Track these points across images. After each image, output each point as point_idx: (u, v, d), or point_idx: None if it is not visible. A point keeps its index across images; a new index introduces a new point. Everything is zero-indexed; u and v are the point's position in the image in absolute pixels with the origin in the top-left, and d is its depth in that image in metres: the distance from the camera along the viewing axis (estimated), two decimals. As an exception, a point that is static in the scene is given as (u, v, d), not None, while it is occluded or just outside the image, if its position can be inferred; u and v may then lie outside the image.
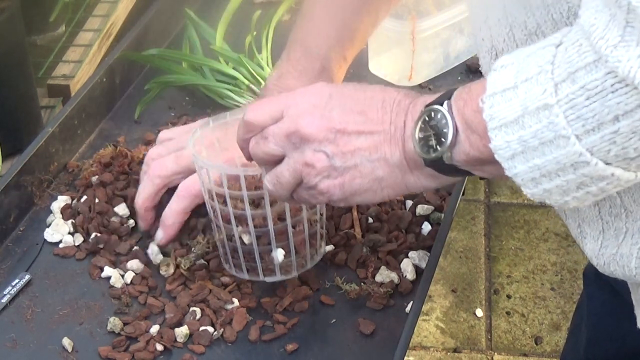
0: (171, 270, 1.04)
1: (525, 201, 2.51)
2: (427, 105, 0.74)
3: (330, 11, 1.05)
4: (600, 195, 0.66)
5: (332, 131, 0.79)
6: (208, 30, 1.40)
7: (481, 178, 2.35)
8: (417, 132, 0.75)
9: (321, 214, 0.99)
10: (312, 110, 0.80)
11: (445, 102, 0.72)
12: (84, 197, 1.14)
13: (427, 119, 0.74)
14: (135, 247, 1.08)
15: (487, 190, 2.58)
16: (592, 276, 1.17)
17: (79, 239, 1.10)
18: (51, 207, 1.14)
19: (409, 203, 1.12)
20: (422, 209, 1.11)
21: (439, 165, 0.74)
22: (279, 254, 0.97)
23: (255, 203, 0.95)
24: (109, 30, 1.71)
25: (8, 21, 1.39)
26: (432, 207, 1.11)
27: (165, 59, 1.38)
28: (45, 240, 1.11)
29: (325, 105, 0.80)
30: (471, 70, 1.38)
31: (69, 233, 1.11)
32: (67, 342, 0.97)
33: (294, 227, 0.96)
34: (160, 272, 1.04)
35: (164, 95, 1.34)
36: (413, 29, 1.30)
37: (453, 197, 1.11)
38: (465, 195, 2.50)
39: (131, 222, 1.11)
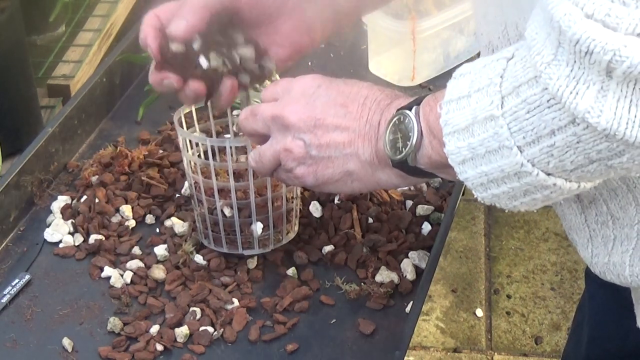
0: (171, 269, 1.04)
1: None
2: (399, 109, 0.78)
3: None
4: (548, 201, 0.69)
5: (312, 119, 0.83)
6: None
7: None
8: (388, 133, 0.79)
9: (300, 192, 1.04)
10: (299, 98, 0.85)
11: (414, 108, 0.76)
12: (84, 197, 1.14)
13: (397, 122, 0.78)
14: (135, 247, 1.08)
15: (487, 190, 2.57)
16: (594, 275, 1.17)
17: (79, 239, 1.10)
18: (51, 207, 1.14)
19: (409, 203, 1.12)
20: (422, 209, 1.11)
21: (404, 166, 0.78)
22: (258, 227, 1.01)
23: (238, 176, 0.99)
24: (109, 30, 1.71)
25: (8, 21, 1.40)
26: (432, 207, 1.11)
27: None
28: (45, 240, 1.11)
29: (312, 94, 0.85)
30: (471, 70, 1.37)
31: (69, 233, 1.11)
32: (67, 342, 0.97)
33: (273, 202, 1.00)
34: (160, 273, 1.04)
35: (164, 95, 1.34)
36: (413, 29, 1.31)
37: (453, 197, 1.11)
38: (465, 195, 2.49)
39: (131, 222, 1.11)
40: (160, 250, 1.06)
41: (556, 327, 2.19)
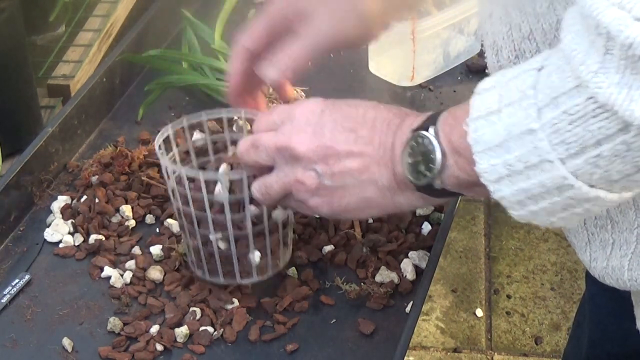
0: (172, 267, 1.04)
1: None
2: (414, 130, 0.75)
3: None
4: (585, 215, 0.67)
5: (322, 149, 0.80)
6: (206, 30, 1.40)
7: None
8: (406, 157, 0.75)
9: (293, 215, 1.00)
10: (304, 127, 0.81)
11: (432, 128, 0.73)
12: (84, 197, 1.14)
13: (414, 144, 0.74)
14: (135, 247, 1.08)
15: (487, 190, 2.58)
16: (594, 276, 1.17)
17: (78, 239, 1.10)
18: (51, 207, 1.14)
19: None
20: (422, 209, 1.11)
21: (430, 189, 0.75)
22: (256, 257, 0.97)
23: (231, 205, 0.94)
24: (109, 30, 1.71)
25: (8, 21, 1.39)
26: (432, 207, 1.11)
27: (165, 60, 1.38)
28: (45, 240, 1.11)
29: (317, 121, 0.81)
30: (471, 70, 1.38)
31: (69, 233, 1.11)
32: (67, 342, 0.97)
33: (269, 228, 0.97)
34: (156, 273, 1.04)
35: (164, 95, 1.34)
36: (413, 29, 1.30)
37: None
38: (465, 196, 2.50)
39: (131, 222, 1.11)
40: (157, 250, 1.06)
41: (556, 327, 2.19)
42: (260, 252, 0.97)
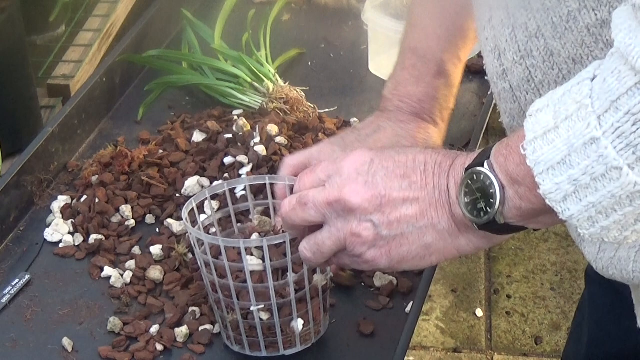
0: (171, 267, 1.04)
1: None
2: (467, 168, 0.73)
3: (435, 14, 1.04)
4: None
5: (377, 198, 0.77)
6: (206, 30, 1.40)
7: (535, 230, 2.33)
8: (463, 196, 0.73)
9: (330, 277, 0.97)
10: (355, 178, 0.78)
11: (486, 162, 0.71)
12: (84, 197, 1.14)
13: (469, 182, 0.72)
14: (135, 247, 1.08)
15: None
16: (594, 275, 1.17)
17: (78, 238, 1.10)
18: (51, 207, 1.14)
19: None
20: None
21: (492, 226, 0.72)
22: (299, 324, 0.93)
23: (273, 275, 0.90)
24: (109, 30, 1.71)
25: (8, 21, 1.39)
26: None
27: (165, 60, 1.38)
28: (45, 240, 1.11)
29: (367, 171, 0.78)
30: (471, 71, 1.37)
31: (69, 233, 1.11)
32: (67, 342, 0.97)
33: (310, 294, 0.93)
34: (156, 273, 1.04)
35: (164, 95, 1.34)
36: (413, 29, 1.30)
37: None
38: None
39: (131, 222, 1.11)
40: (157, 250, 1.06)
41: (556, 327, 2.19)
42: (303, 319, 0.93)
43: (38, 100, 1.53)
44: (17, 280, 1.04)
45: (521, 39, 0.74)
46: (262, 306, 0.91)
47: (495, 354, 2.14)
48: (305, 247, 0.82)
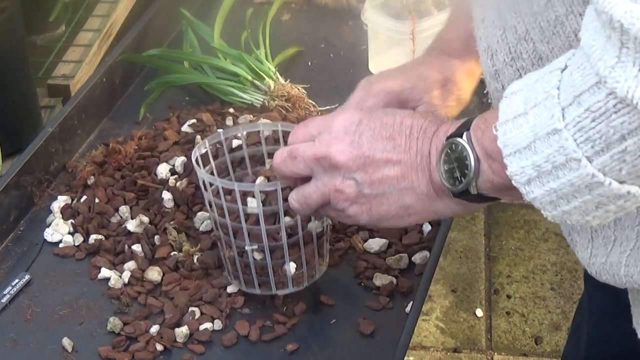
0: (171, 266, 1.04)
1: (526, 201, 2.51)
2: (448, 137, 0.76)
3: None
4: (621, 212, 0.67)
5: (361, 158, 0.81)
6: (205, 29, 1.40)
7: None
8: (442, 164, 0.76)
9: (327, 224, 1.00)
10: (342, 137, 0.82)
11: (465, 134, 0.74)
12: (84, 197, 1.14)
13: (449, 151, 0.75)
14: (135, 246, 1.08)
15: (487, 190, 2.57)
16: (592, 277, 1.18)
17: (78, 239, 1.10)
18: (51, 207, 1.14)
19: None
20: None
21: (466, 195, 0.75)
22: (291, 267, 0.97)
23: (266, 217, 0.94)
24: (109, 30, 1.71)
25: (8, 21, 1.39)
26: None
27: (166, 59, 1.38)
28: (45, 240, 1.11)
29: (355, 131, 0.82)
30: (471, 70, 1.37)
31: (69, 233, 1.11)
32: (67, 342, 0.97)
33: (303, 239, 0.97)
34: (155, 274, 1.04)
35: (164, 95, 1.34)
36: (413, 29, 1.30)
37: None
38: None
39: (130, 222, 1.11)
40: (158, 251, 1.06)
41: (556, 327, 2.19)
42: (296, 263, 0.97)
43: (38, 100, 1.52)
44: (17, 280, 1.04)
45: (511, 41, 0.75)
46: (256, 247, 0.96)
47: (495, 354, 2.14)
48: (294, 198, 0.87)
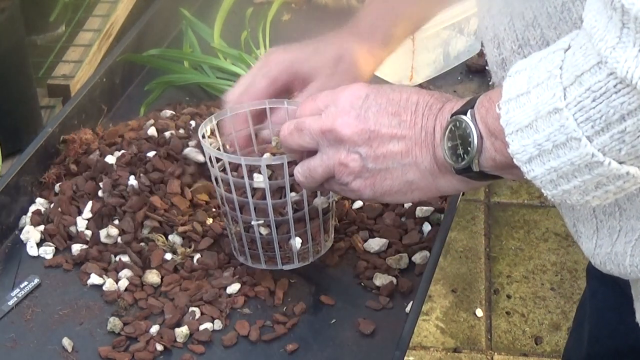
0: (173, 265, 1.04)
1: (525, 201, 2.51)
2: (453, 114, 0.76)
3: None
4: (620, 193, 0.67)
5: (366, 132, 0.81)
6: (205, 29, 1.40)
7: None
8: (446, 141, 0.77)
9: (333, 200, 1.01)
10: (349, 111, 0.82)
11: (469, 111, 0.74)
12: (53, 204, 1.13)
13: (453, 128, 0.76)
14: (123, 257, 1.06)
15: (487, 190, 2.57)
16: (595, 271, 1.17)
17: (48, 250, 1.08)
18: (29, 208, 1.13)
19: (409, 204, 1.12)
20: (421, 211, 1.11)
21: (468, 172, 0.76)
22: (297, 242, 0.99)
23: (273, 192, 0.96)
24: (109, 30, 1.71)
25: (8, 21, 1.39)
26: (432, 208, 1.11)
27: (166, 59, 1.38)
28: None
29: (361, 105, 0.82)
30: (471, 70, 1.38)
31: (41, 240, 1.10)
32: (67, 342, 0.97)
33: (309, 215, 0.98)
34: (154, 277, 1.04)
35: (164, 95, 1.34)
36: (413, 29, 1.30)
37: (453, 197, 1.11)
38: (465, 195, 2.50)
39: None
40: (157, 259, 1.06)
41: (556, 327, 2.19)
42: (301, 238, 0.99)
43: (38, 100, 1.52)
44: (26, 283, 1.04)
45: (519, 28, 0.75)
46: (262, 222, 0.97)
47: (495, 354, 2.14)
48: (299, 171, 0.88)
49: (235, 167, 0.96)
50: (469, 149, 0.74)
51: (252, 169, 0.96)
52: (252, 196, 0.96)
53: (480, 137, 0.73)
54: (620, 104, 0.61)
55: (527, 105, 0.67)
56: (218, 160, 0.96)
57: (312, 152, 0.86)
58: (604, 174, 0.65)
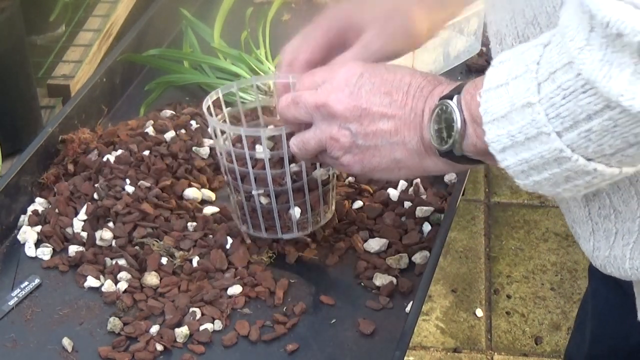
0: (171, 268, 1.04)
1: (525, 201, 2.51)
2: (441, 98, 0.78)
3: None
4: (590, 187, 0.69)
5: (357, 109, 0.84)
6: (205, 29, 1.40)
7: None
8: (432, 123, 0.79)
9: (333, 173, 1.03)
10: (343, 88, 0.85)
11: (455, 97, 0.76)
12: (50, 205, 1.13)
13: (439, 111, 0.78)
14: (120, 261, 1.06)
15: (487, 190, 2.57)
16: (596, 271, 1.17)
17: (46, 251, 1.08)
18: (27, 209, 1.13)
19: (409, 204, 1.12)
20: (421, 211, 1.11)
21: (451, 155, 0.78)
22: (296, 212, 1.01)
23: (274, 163, 0.99)
24: (109, 30, 1.71)
25: (8, 21, 1.39)
26: (432, 208, 1.11)
27: (166, 59, 1.38)
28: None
29: (355, 83, 0.85)
30: (471, 70, 1.38)
31: (38, 240, 1.09)
32: (67, 342, 0.97)
33: (309, 185, 1.00)
34: (153, 279, 1.04)
35: (164, 95, 1.34)
36: (413, 28, 1.30)
37: (453, 197, 1.11)
38: (465, 195, 2.50)
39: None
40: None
41: (556, 327, 2.19)
42: (301, 209, 1.01)
43: (38, 100, 1.53)
44: (26, 283, 1.04)
45: (520, 25, 0.76)
46: (262, 191, 1.00)
47: (495, 354, 2.14)
48: (294, 143, 0.91)
49: (239, 139, 1.00)
50: (452, 133, 0.76)
51: (256, 140, 1.00)
52: (254, 166, 0.99)
53: (464, 122, 0.75)
54: (587, 104, 0.62)
55: (504, 97, 0.68)
56: (222, 132, 0.99)
57: (309, 125, 0.89)
58: (572, 169, 0.67)
